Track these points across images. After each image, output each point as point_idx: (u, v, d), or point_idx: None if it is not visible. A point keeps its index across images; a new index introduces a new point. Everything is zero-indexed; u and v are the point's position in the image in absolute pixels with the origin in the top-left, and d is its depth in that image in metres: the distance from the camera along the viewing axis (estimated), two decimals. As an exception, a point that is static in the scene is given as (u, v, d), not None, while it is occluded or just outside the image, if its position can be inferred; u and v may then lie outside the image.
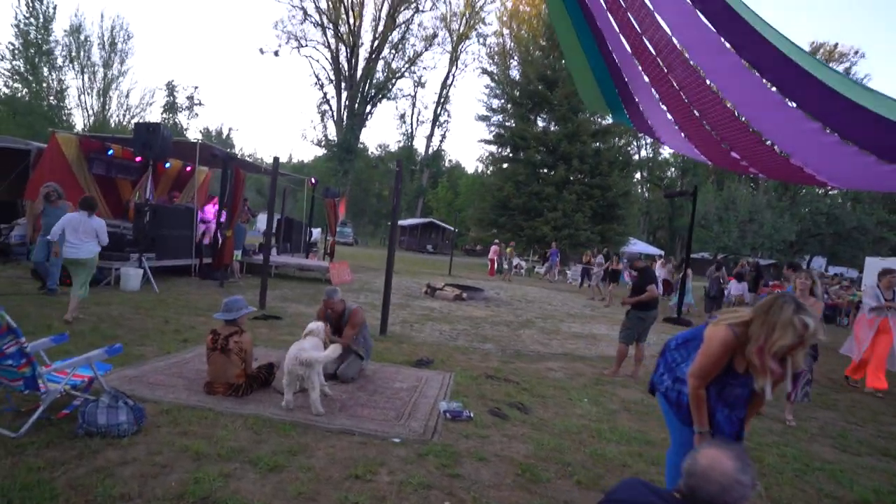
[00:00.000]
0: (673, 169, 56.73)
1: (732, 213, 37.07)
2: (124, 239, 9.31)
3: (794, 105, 4.94)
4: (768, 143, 6.16)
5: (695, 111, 6.50)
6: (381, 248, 41.37)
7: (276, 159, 8.12)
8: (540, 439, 3.85)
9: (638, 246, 29.92)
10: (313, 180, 15.71)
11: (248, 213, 13.38)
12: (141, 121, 9.54)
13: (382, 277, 16.46)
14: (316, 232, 18.28)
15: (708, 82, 5.56)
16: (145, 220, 8.81)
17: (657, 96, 6.91)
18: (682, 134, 7.35)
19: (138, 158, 12.98)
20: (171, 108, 41.49)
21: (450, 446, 3.52)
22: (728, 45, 4.62)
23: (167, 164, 13.81)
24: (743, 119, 6.06)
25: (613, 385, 5.94)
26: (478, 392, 4.96)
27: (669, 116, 7.29)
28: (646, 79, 6.54)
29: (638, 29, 5.71)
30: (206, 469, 2.80)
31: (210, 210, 13.10)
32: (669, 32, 5.24)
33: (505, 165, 30.66)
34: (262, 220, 26.91)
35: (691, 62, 5.75)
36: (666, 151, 55.62)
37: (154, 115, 44.07)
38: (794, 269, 8.46)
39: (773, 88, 4.98)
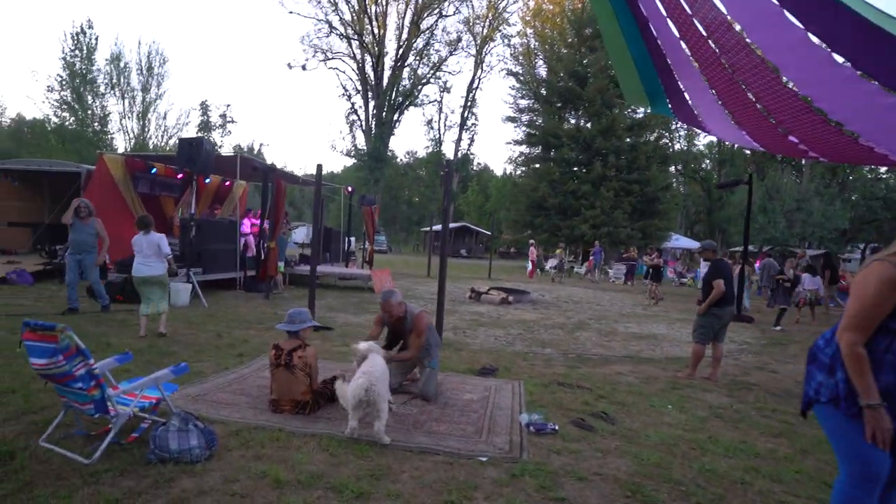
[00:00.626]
0: (708, 161, 54.81)
1: (777, 203, 35.47)
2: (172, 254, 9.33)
3: (870, 79, 4.46)
4: (833, 123, 5.66)
5: (749, 94, 6.05)
6: (415, 254, 41.31)
7: (319, 167, 7.97)
8: (638, 454, 3.46)
9: (680, 241, 28.87)
10: (350, 188, 15.64)
11: (287, 225, 13.39)
12: (184, 137, 9.66)
13: (423, 284, 16.38)
14: (350, 241, 18.26)
15: (766, 61, 5.12)
16: (191, 234, 8.80)
17: (706, 81, 6.47)
18: (733, 120, 6.88)
19: (180, 175, 13.16)
20: (205, 126, 42.52)
21: (543, 464, 3.17)
22: (793, 17, 4.20)
23: (207, 180, 13.97)
24: (805, 99, 5.57)
25: (693, 389, 5.48)
26: (553, 401, 4.60)
27: (719, 102, 6.82)
28: (694, 63, 6.11)
29: (688, 9, 5.30)
30: (288, 499, 2.54)
31: (247, 223, 13.16)
32: (724, 10, 4.83)
33: (537, 165, 30.14)
34: (297, 232, 27.13)
35: (748, 39, 5.30)
36: (701, 143, 53.73)
37: (190, 135, 45.36)
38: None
39: (845, 62, 4.51)
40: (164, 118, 46.85)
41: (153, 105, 39.97)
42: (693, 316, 11.83)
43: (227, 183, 15.08)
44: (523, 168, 32.98)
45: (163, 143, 39.65)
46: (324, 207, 16.29)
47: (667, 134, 40.08)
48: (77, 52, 35.24)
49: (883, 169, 41.94)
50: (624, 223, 24.39)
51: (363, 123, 42.03)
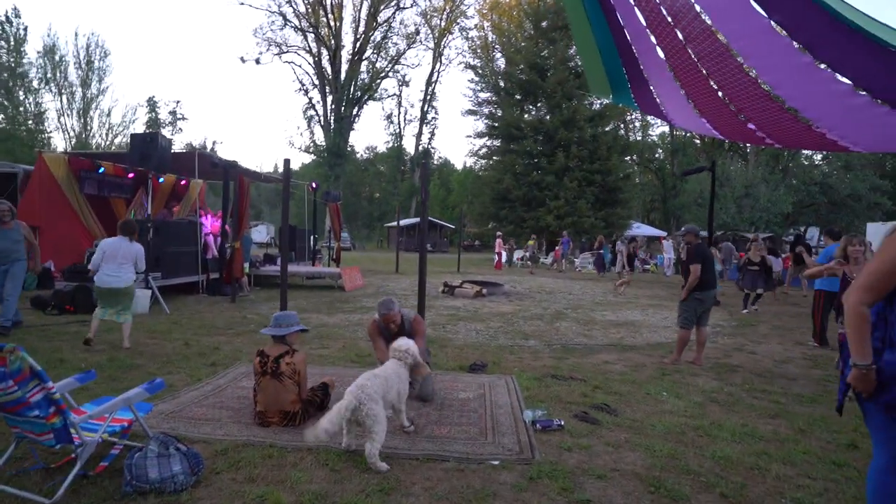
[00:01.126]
0: (661, 151, 56.53)
1: (728, 190, 36.98)
2: (127, 259, 8.68)
3: (826, 66, 4.57)
4: (790, 110, 5.81)
5: (712, 83, 6.12)
6: (380, 250, 40.75)
7: (287, 162, 7.54)
8: (649, 446, 3.35)
9: (642, 229, 29.59)
10: (314, 184, 15.10)
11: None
12: (136, 133, 8.92)
13: (394, 280, 16.07)
14: (315, 239, 17.63)
15: (730, 49, 5.17)
16: (148, 237, 8.20)
17: (671, 70, 6.51)
18: (695, 109, 6.99)
19: (131, 175, 12.37)
20: (154, 123, 40.39)
21: (557, 464, 3.01)
22: (758, 6, 4.23)
23: (161, 179, 13.16)
24: (765, 87, 5.68)
25: (682, 374, 5.48)
26: (551, 395, 4.46)
27: (682, 92, 6.90)
28: (660, 52, 6.14)
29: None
30: (293, 525, 2.27)
31: (206, 223, 12.50)
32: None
33: (496, 158, 30.12)
34: (257, 231, 26.16)
35: (713, 28, 5.34)
36: (655, 133, 55.34)
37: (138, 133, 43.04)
38: (833, 237, 8.04)
39: (805, 51, 4.59)
40: (109, 115, 44.25)
41: (95, 102, 37.68)
42: (662, 301, 12.17)
43: (184, 182, 14.24)
44: (486, 161, 32.96)
45: (108, 143, 37.44)
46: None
47: (622, 126, 41.04)
48: (3, 42, 32.70)
49: (819, 157, 44.47)
50: (587, 213, 24.75)
51: (321, 119, 40.99)
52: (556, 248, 22.53)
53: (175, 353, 5.56)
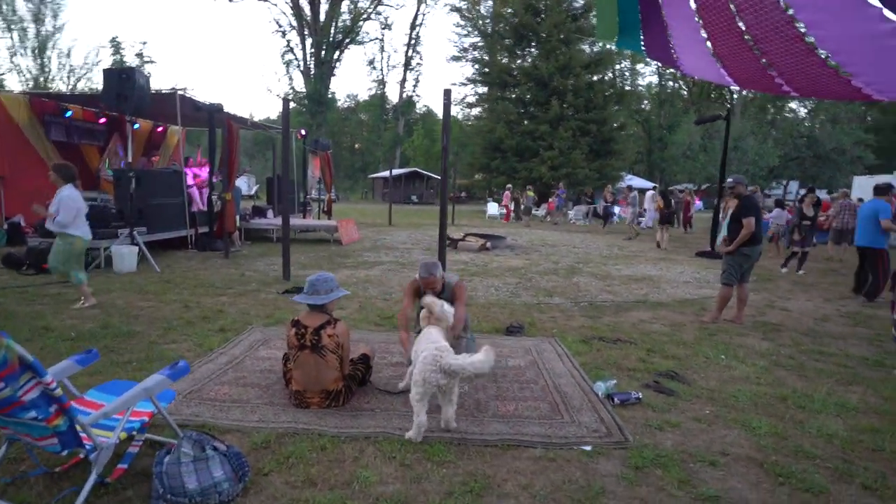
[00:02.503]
0: (647, 101, 55.49)
1: (717, 142, 36.65)
2: (108, 213, 7.89)
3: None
4: (822, 54, 5.33)
5: (740, 23, 5.55)
6: (366, 202, 39.69)
7: (285, 103, 6.73)
8: (743, 421, 2.97)
9: (634, 181, 29.18)
10: (303, 131, 14.09)
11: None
12: (112, 67, 7.71)
13: (389, 234, 15.43)
14: (307, 190, 16.65)
15: None
16: (130, 188, 7.38)
17: (694, 6, 5.89)
18: (712, 53, 6.45)
19: (102, 120, 11.27)
20: (118, 67, 37.58)
21: (656, 448, 2.60)
22: None
23: (136, 125, 12.06)
24: (801, 27, 5.14)
25: (727, 334, 5.13)
26: (605, 361, 4.06)
27: (703, 32, 6.32)
28: None
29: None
30: (380, 546, 1.80)
31: (190, 174, 11.59)
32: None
33: (486, 106, 28.89)
34: (238, 182, 24.89)
35: None
36: (642, 84, 54.15)
37: (100, 77, 40.25)
38: (880, 192, 7.58)
39: None
40: (68, 56, 41.03)
41: (52, 40, 34.68)
42: (669, 255, 11.90)
43: (160, 128, 13.19)
44: (477, 109, 31.70)
45: (70, 87, 34.85)
46: (274, 154, 14.74)
47: (609, 75, 39.88)
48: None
49: (804, 111, 44.22)
50: (582, 164, 24.14)
51: (301, 64, 38.81)
52: (551, 199, 22.02)
53: (175, 316, 4.97)
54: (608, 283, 7.85)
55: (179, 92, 8.68)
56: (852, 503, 2.21)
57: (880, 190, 7.24)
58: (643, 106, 56.05)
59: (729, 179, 5.65)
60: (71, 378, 2.39)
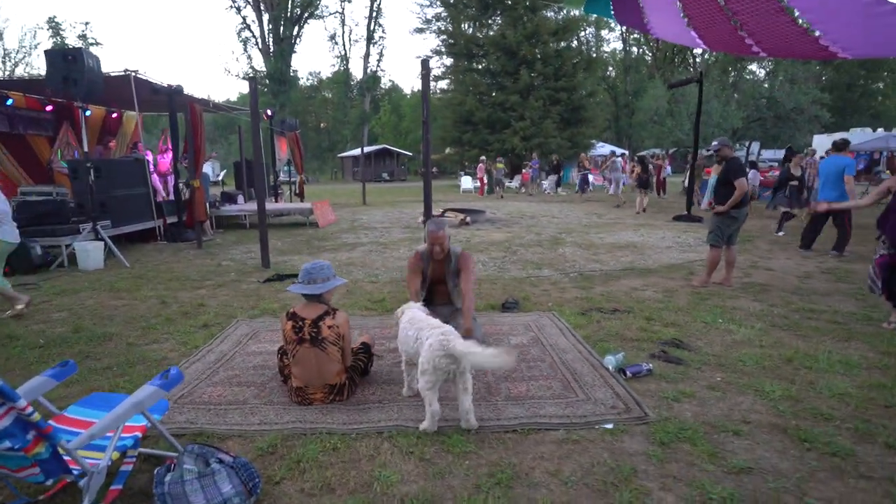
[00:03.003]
0: (612, 68, 55.54)
1: (683, 106, 37.07)
2: (66, 207, 7.38)
3: None
4: (788, 11, 5.34)
5: None
6: (336, 182, 38.91)
7: (253, 81, 6.33)
8: (755, 386, 2.95)
9: (605, 148, 29.30)
10: (269, 112, 13.50)
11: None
12: (55, 47, 6.86)
13: (365, 213, 15.10)
14: (277, 173, 15.99)
15: None
16: (90, 180, 6.90)
17: None
18: (683, 14, 6.40)
19: (49, 108, 10.50)
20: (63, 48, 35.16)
21: (679, 422, 2.54)
22: None
23: (87, 112, 11.29)
24: None
25: (719, 297, 5.15)
26: (607, 332, 4.00)
27: None
28: None
29: None
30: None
31: (165, 159, 10.99)
32: None
33: (453, 78, 28.30)
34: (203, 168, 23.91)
35: None
36: (606, 50, 54.16)
37: (40, 61, 37.74)
38: (839, 148, 7.74)
39: None
40: (1, 39, 38.18)
41: (-19, 23, 32.09)
42: (647, 220, 12.00)
43: (115, 114, 12.40)
44: (444, 81, 31.01)
45: (7, 73, 32.55)
46: (241, 138, 14.12)
47: (575, 42, 39.60)
48: None
49: (762, 72, 45.07)
50: (553, 133, 24.02)
51: (259, 41, 37.15)
52: (525, 171, 21.91)
53: (153, 314, 4.68)
54: (594, 253, 7.82)
55: (133, 73, 8.09)
56: (879, 462, 2.19)
57: (840, 145, 7.33)
58: (609, 73, 56.19)
59: (714, 143, 5.59)
60: (46, 392, 2.15)
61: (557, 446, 2.33)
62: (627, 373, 3.07)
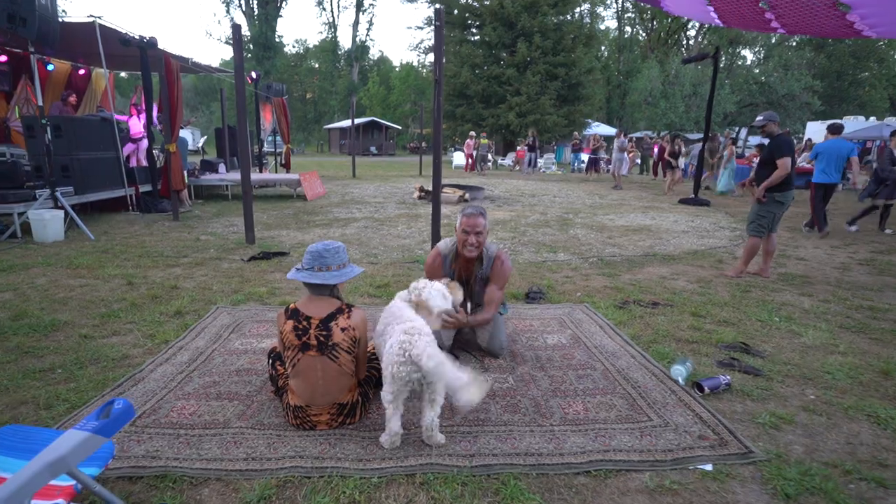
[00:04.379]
0: (604, 47, 54.53)
1: (678, 89, 36.51)
2: (20, 170, 6.50)
3: None
4: None
5: None
6: (322, 154, 37.61)
7: (236, 29, 5.49)
8: (866, 409, 2.39)
9: (601, 128, 28.65)
10: (254, 74, 12.50)
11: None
12: None
13: (355, 187, 14.26)
14: (262, 141, 14.86)
15: None
16: (46, 139, 6.03)
17: None
18: None
19: (3, 58, 9.42)
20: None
21: (796, 463, 1.96)
22: None
23: (49, 66, 10.23)
24: None
25: (762, 289, 4.62)
26: (655, 331, 3.42)
27: None
28: None
29: None
30: None
31: (137, 123, 10.02)
32: None
33: (448, 49, 27.15)
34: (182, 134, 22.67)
35: None
36: (601, 28, 53.17)
37: None
38: (834, 131, 7.65)
39: None
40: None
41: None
42: (653, 203, 11.47)
43: (83, 71, 11.31)
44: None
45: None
46: (223, 103, 13.11)
47: (575, 15, 38.50)
48: None
49: (751, 57, 44.69)
50: (550, 110, 23.25)
51: (242, 3, 35.23)
52: (520, 148, 21.18)
53: (116, 297, 3.96)
54: (608, 236, 7.25)
55: (98, 20, 7.12)
56: None
57: (836, 129, 7.46)
58: (602, 52, 55.15)
59: (759, 117, 4.98)
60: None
61: (649, 499, 1.74)
62: (705, 388, 2.49)
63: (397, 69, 54.95)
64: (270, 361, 2.37)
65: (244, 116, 5.90)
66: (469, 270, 2.95)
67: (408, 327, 2.01)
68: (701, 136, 28.11)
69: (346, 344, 2.05)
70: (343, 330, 2.04)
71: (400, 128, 41.17)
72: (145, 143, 8.76)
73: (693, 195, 11.59)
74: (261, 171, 13.10)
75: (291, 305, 2.10)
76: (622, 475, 1.87)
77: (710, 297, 4.30)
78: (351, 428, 2.14)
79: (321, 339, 2.02)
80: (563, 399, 2.43)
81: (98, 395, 2.39)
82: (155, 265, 5.02)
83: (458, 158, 22.58)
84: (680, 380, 2.60)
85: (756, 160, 12.42)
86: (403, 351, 1.91)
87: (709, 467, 1.91)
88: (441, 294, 2.42)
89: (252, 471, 1.84)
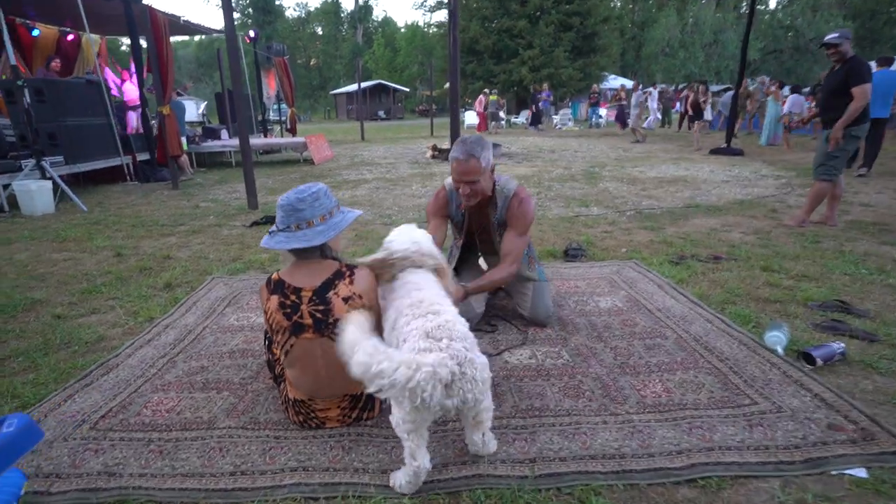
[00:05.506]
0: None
1: (697, 37, 34.61)
2: (3, 140, 6.04)
3: None
4: None
5: None
6: (330, 121, 36.75)
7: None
8: None
9: (619, 80, 27.26)
10: (252, 33, 11.76)
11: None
12: None
13: (365, 149, 13.61)
14: (265, 106, 14.16)
15: None
16: (25, 102, 5.52)
17: None
18: None
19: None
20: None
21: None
22: None
23: (34, 32, 9.65)
24: None
25: (832, 239, 4.02)
26: (730, 289, 2.89)
27: None
28: None
29: None
30: None
31: (131, 87, 9.47)
32: None
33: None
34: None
35: None
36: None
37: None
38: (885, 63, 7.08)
39: None
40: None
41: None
42: (681, 154, 10.70)
43: (71, 37, 10.67)
44: (442, 13, 28.37)
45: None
46: (220, 66, 12.42)
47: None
48: None
49: (773, 2, 42.07)
50: (564, 63, 22.06)
51: (238, -37, 33.76)
52: (535, 105, 20.17)
53: (101, 271, 3.52)
54: (642, 188, 6.62)
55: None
56: None
57: (886, 60, 7.07)
58: (615, 2, 52.44)
59: (832, 34, 4.25)
60: None
61: (791, 522, 1.24)
62: (817, 359, 1.96)
63: (402, 30, 53.06)
64: (266, 343, 1.88)
65: (238, 67, 5.30)
66: (484, 218, 2.42)
67: (442, 322, 1.36)
68: (723, 87, 26.71)
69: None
70: (346, 300, 1.53)
71: (408, 90, 39.92)
72: (139, 110, 8.22)
73: (725, 144, 10.78)
74: (265, 137, 12.52)
75: (274, 275, 1.60)
76: (740, 484, 1.37)
77: (777, 250, 3.72)
78: (369, 424, 1.66)
79: (318, 315, 1.52)
80: (635, 377, 1.93)
81: (59, 388, 1.95)
82: (149, 235, 4.57)
83: (470, 118, 21.67)
84: (779, 349, 2.07)
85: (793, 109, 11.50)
86: (445, 367, 1.24)
87: (863, 473, 1.39)
88: (409, 238, 1.71)
89: (241, 490, 1.38)
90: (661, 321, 2.43)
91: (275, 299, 1.55)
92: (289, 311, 1.53)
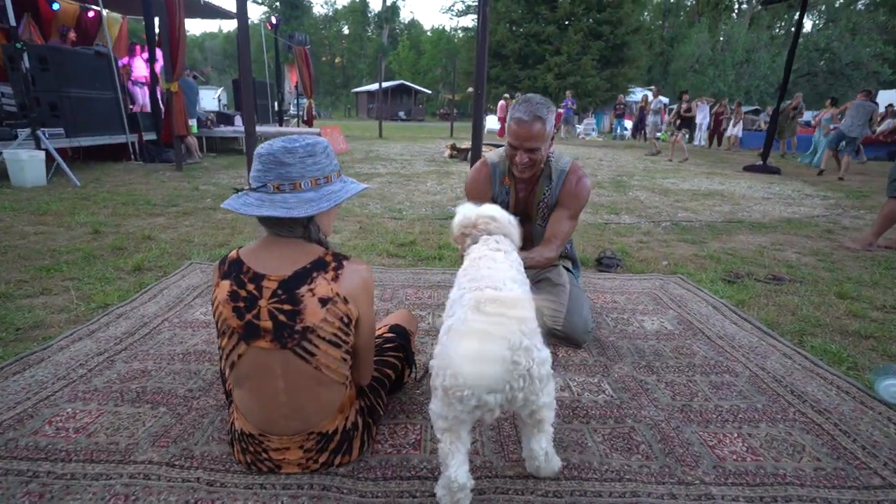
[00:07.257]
0: (647, 13, 51.11)
1: (728, 55, 33.87)
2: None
3: None
4: None
5: None
6: (350, 119, 36.58)
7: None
8: None
9: (640, 92, 26.65)
10: (274, 19, 11.46)
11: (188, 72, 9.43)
12: None
13: (381, 146, 13.21)
14: (283, 95, 13.82)
15: None
16: (23, 66, 5.19)
17: None
18: None
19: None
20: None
21: None
22: None
23: (55, 6, 9.44)
24: None
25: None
26: (802, 317, 2.39)
27: None
28: None
29: None
30: None
31: (140, 63, 9.20)
32: None
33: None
34: (205, 96, 21.90)
35: None
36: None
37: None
38: None
39: None
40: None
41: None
42: (714, 169, 10.13)
43: (92, 14, 10.47)
44: (470, 17, 28.01)
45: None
46: (240, 56, 12.14)
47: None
48: None
49: (809, 23, 41.02)
50: (591, 72, 21.56)
51: (269, -43, 33.88)
52: (557, 111, 19.71)
53: (70, 248, 3.11)
54: (675, 199, 6.10)
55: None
56: None
57: None
58: (645, 18, 51.88)
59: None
60: None
61: None
62: (954, 421, 1.45)
63: (428, 33, 52.98)
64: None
65: (246, 43, 4.90)
66: (531, 195, 1.97)
67: (492, 297, 1.00)
68: (753, 108, 25.91)
69: (331, 328, 1.08)
70: (324, 302, 1.07)
71: (430, 92, 39.68)
72: (147, 88, 7.91)
73: (762, 162, 10.18)
74: (280, 125, 12.20)
75: (233, 253, 1.14)
76: None
77: (846, 275, 3.19)
78: (341, 474, 1.19)
79: (280, 317, 1.06)
80: (704, 427, 1.44)
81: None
82: (136, 213, 4.17)
83: (492, 122, 21.27)
84: (890, 399, 1.56)
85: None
86: (473, 359, 0.89)
87: None
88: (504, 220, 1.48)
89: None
90: (726, 352, 1.93)
91: (225, 285, 1.09)
92: (241, 305, 1.07)
